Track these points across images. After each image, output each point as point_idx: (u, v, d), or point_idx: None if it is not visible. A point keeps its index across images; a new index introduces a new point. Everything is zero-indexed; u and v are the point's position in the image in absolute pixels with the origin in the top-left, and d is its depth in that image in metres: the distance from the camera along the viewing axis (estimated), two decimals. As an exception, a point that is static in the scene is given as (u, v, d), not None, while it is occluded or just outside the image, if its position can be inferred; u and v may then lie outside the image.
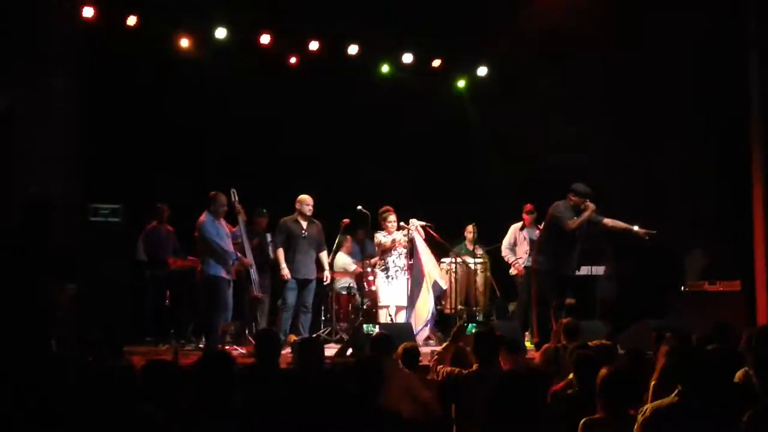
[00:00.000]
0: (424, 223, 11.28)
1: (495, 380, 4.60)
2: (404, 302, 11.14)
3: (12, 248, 9.33)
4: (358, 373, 5.40)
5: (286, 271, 10.86)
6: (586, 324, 9.28)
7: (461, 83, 14.52)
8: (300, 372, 6.43)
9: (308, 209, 11.04)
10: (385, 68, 13.78)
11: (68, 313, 9.43)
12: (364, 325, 10.10)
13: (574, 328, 8.10)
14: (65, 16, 11.15)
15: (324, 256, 11.20)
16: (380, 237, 11.30)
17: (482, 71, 14.12)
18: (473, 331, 8.89)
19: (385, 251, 11.28)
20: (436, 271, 11.32)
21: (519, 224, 12.30)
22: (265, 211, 11.73)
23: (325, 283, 11.32)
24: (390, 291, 11.21)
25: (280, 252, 10.93)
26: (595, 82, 12.59)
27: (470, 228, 12.65)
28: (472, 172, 14.04)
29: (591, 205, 10.40)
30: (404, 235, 11.21)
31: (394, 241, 11.21)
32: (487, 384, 4.61)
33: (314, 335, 10.95)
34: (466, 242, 12.70)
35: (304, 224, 11.04)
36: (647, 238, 10.52)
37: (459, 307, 11.93)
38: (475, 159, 14.13)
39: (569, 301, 10.74)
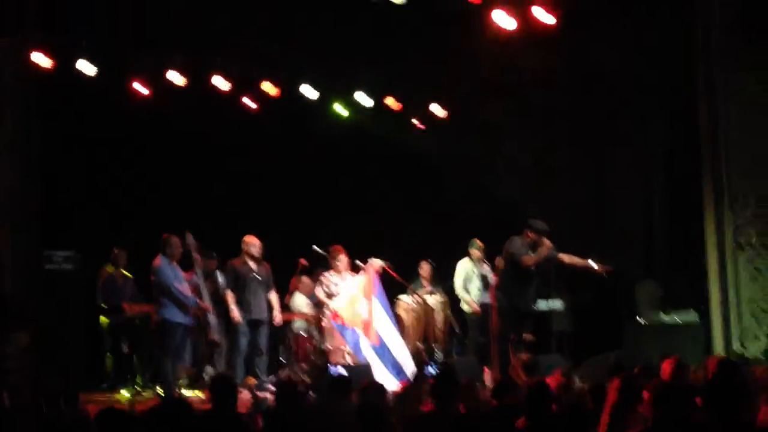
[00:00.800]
0: (381, 263, 11.22)
1: (453, 421, 4.61)
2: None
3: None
4: (360, 418, 5.35)
5: (236, 314, 10.72)
6: (544, 358, 9.31)
7: (414, 121, 14.55)
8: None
9: (256, 250, 10.93)
10: (338, 107, 13.79)
11: (21, 362, 9.29)
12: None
13: (533, 365, 8.15)
14: (18, 63, 11.10)
15: (273, 296, 11.10)
16: (320, 293, 11.15)
17: (435, 108, 14.14)
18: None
19: (318, 305, 11.25)
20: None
21: (468, 260, 12.30)
22: (215, 254, 11.61)
23: (275, 324, 11.20)
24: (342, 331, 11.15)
25: (230, 295, 10.82)
26: (545, 115, 12.71)
27: (424, 265, 12.60)
28: (428, 209, 14.03)
29: (548, 243, 10.39)
30: (335, 287, 11.08)
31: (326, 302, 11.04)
32: (445, 425, 4.61)
33: (283, 377, 10.82)
34: (421, 279, 12.64)
35: (254, 265, 10.93)
36: (604, 274, 10.58)
37: (418, 345, 11.89)
38: (428, 196, 14.13)
39: (528, 336, 10.74)
